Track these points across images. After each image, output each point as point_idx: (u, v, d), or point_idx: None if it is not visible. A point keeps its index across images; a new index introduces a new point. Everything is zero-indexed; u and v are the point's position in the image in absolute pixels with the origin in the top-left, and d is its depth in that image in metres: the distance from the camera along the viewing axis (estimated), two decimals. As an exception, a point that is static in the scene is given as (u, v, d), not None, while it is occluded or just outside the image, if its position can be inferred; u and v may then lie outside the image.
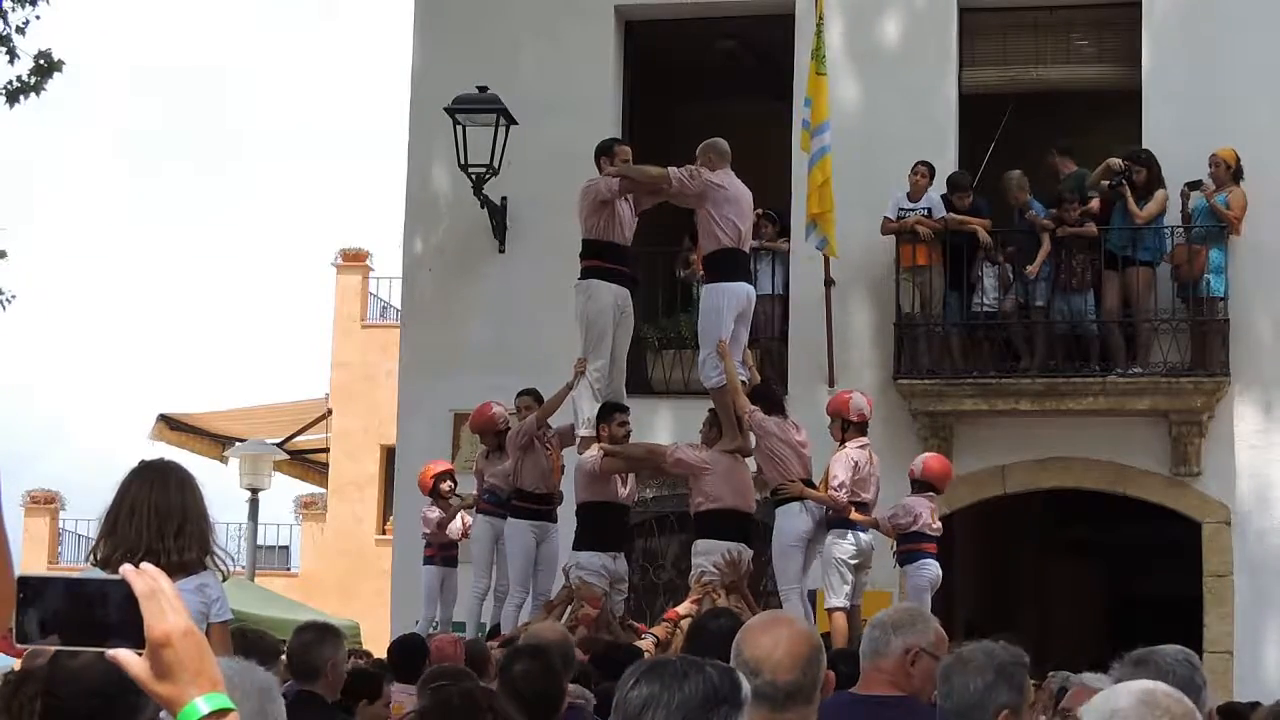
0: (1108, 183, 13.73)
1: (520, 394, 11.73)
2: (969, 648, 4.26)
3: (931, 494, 11.14)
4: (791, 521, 10.61)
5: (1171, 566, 14.71)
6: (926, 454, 11.63)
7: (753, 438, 10.67)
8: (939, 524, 11.06)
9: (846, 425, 10.82)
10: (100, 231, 62.59)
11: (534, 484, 11.29)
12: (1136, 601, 17.72)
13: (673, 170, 10.69)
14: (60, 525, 31.13)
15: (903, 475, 11.44)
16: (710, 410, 10.95)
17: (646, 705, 2.89)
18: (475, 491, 12.11)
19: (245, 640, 6.24)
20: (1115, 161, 13.72)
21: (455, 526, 12.53)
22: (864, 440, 10.84)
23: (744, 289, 10.80)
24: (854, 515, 10.59)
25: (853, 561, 10.69)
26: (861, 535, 10.70)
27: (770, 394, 11.04)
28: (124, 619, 2.05)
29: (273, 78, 67.25)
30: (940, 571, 10.94)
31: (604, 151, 11.07)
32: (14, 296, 13.50)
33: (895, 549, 11.09)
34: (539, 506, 11.33)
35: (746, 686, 2.96)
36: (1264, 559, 13.57)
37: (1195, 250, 13.45)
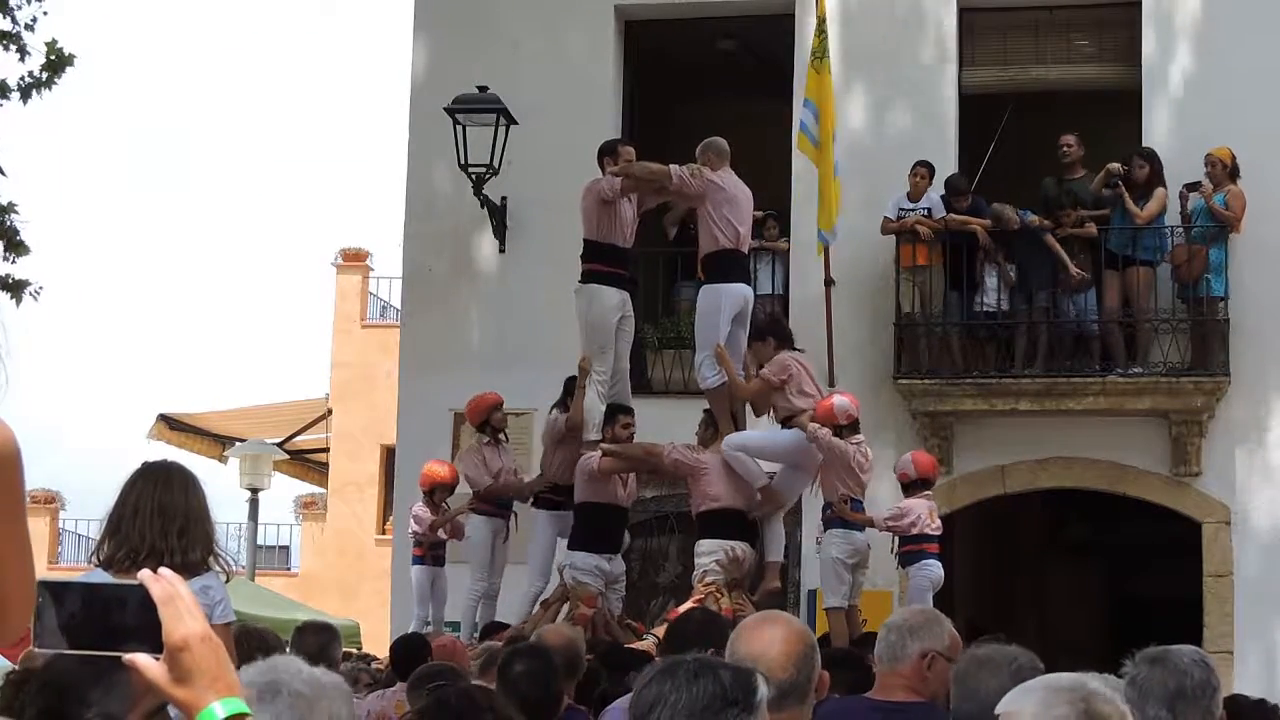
0: (1107, 189, 13.71)
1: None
2: (985, 650, 4.25)
3: (929, 493, 11.13)
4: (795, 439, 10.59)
5: (1171, 566, 14.72)
6: (911, 453, 11.56)
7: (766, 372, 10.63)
8: (939, 523, 11.04)
9: (839, 430, 10.76)
10: (99, 231, 62.59)
11: (565, 477, 11.29)
12: (1136, 602, 17.71)
13: (674, 168, 10.69)
14: (60, 525, 31.14)
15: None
16: (705, 411, 10.94)
17: (655, 704, 2.88)
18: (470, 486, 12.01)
19: (249, 639, 6.25)
20: (1115, 166, 13.71)
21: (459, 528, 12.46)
22: (859, 437, 10.78)
23: (741, 290, 10.78)
24: (850, 515, 10.58)
25: (850, 561, 10.67)
26: (858, 535, 10.68)
27: (780, 328, 11.03)
28: (142, 624, 2.06)
29: (272, 77, 67.26)
30: (942, 572, 10.93)
31: (607, 152, 11.06)
32: (41, 288, 13.48)
33: (896, 550, 11.07)
34: (564, 499, 11.34)
35: (763, 690, 2.94)
36: (1264, 559, 13.57)
37: (1195, 250, 13.45)
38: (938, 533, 10.95)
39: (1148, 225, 13.52)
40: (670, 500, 13.39)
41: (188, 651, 2.05)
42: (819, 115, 12.52)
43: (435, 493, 12.29)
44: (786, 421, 10.59)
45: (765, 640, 3.66)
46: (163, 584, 2.07)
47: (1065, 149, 13.95)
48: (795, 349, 10.80)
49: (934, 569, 10.80)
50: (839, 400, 10.82)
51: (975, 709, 4.12)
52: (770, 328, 10.98)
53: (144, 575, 2.07)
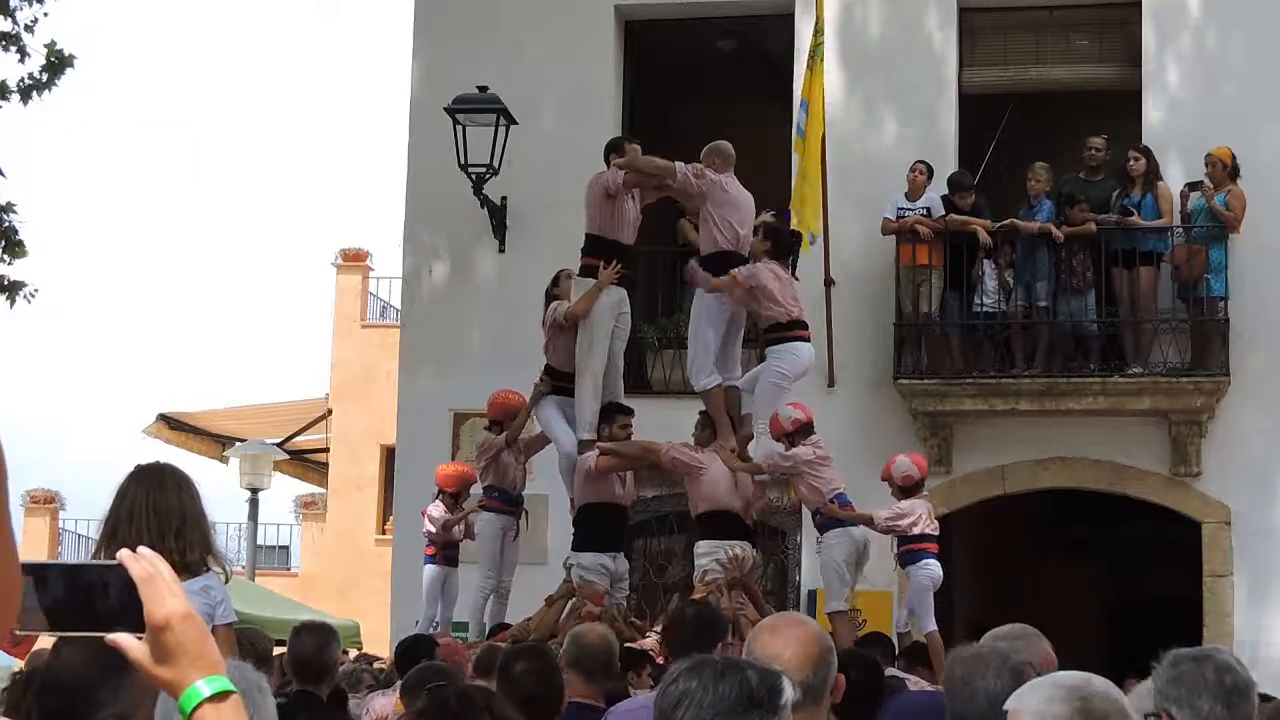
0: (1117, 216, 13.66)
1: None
2: (979, 648, 4.26)
3: (925, 493, 11.12)
4: (784, 362, 10.56)
5: (1171, 566, 14.71)
6: (908, 457, 11.37)
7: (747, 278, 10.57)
8: (936, 522, 11.05)
9: (790, 437, 10.67)
10: (99, 231, 62.61)
11: (565, 364, 11.20)
12: (1136, 602, 17.71)
13: (679, 165, 10.70)
14: (60, 525, 31.12)
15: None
16: (702, 412, 10.93)
17: (680, 701, 2.89)
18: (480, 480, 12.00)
19: (239, 642, 6.22)
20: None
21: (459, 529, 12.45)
22: (814, 437, 10.70)
23: None
24: (842, 514, 10.57)
25: (851, 561, 10.68)
26: (856, 532, 10.67)
27: (781, 237, 10.93)
28: (123, 604, 2.06)
29: (273, 78, 67.28)
30: (941, 571, 10.93)
31: (614, 149, 11.07)
32: (36, 291, 13.47)
33: (896, 550, 11.06)
34: (568, 385, 11.24)
35: (788, 692, 2.95)
36: (1264, 559, 13.56)
37: (1195, 250, 13.44)
38: (936, 532, 10.96)
39: (1164, 224, 13.49)
40: (670, 500, 13.39)
41: (170, 631, 2.05)
42: (809, 115, 12.48)
43: (461, 491, 12.28)
44: (769, 332, 10.57)
45: (782, 641, 3.67)
46: (143, 563, 2.07)
47: (1093, 151, 13.92)
48: (785, 265, 10.74)
49: (934, 568, 10.79)
50: (784, 410, 10.70)
51: (975, 710, 4.13)
52: (773, 232, 10.89)
53: (124, 555, 2.07)
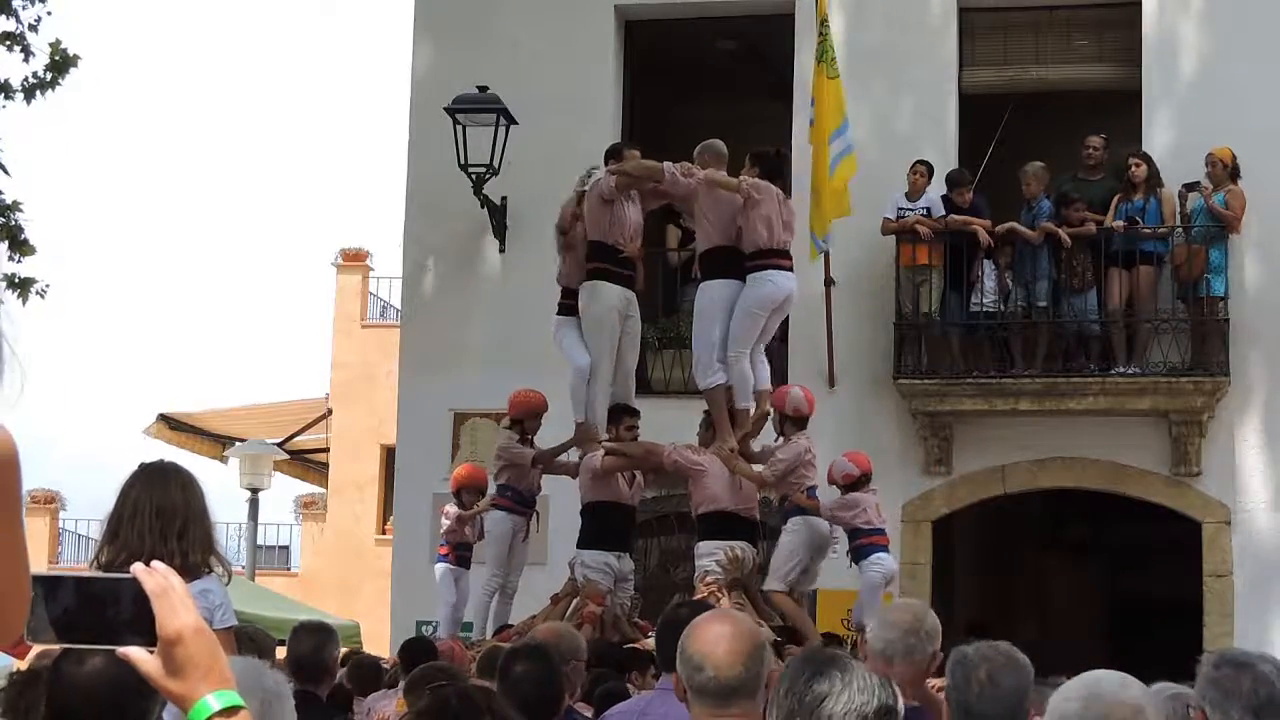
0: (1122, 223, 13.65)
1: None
2: (984, 648, 4.26)
3: (874, 488, 11.08)
4: (760, 289, 10.51)
5: (1171, 566, 14.71)
6: (846, 455, 11.13)
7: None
8: (885, 516, 11.03)
9: (784, 420, 10.71)
10: (99, 230, 62.61)
11: (574, 283, 11.30)
12: (1136, 601, 17.71)
13: (667, 165, 10.74)
14: (60, 525, 31.13)
15: (906, 475, 11.29)
16: (706, 412, 10.95)
17: (825, 699, 2.93)
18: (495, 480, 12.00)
19: (241, 640, 6.21)
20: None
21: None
22: (802, 434, 10.72)
23: (735, 285, 10.78)
24: (805, 502, 10.57)
25: (807, 547, 10.70)
26: (814, 521, 10.66)
27: (769, 160, 10.84)
28: (135, 617, 2.05)
29: (272, 76, 67.29)
30: (894, 565, 10.93)
31: (613, 155, 11.12)
32: (48, 287, 13.49)
33: (848, 546, 10.93)
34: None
35: (901, 701, 3.03)
36: (1264, 559, 13.56)
37: (1195, 250, 13.45)
38: (884, 525, 10.91)
39: (1169, 228, 13.49)
40: (670, 501, 13.39)
41: (181, 644, 2.05)
42: (816, 115, 12.47)
43: (462, 493, 12.26)
44: (750, 259, 10.49)
45: (714, 638, 3.69)
46: (155, 577, 2.07)
47: (1091, 150, 13.94)
48: (778, 180, 10.72)
49: (887, 562, 10.72)
50: (795, 392, 10.76)
51: (1001, 709, 4.13)
52: (760, 157, 10.80)
53: (137, 568, 2.07)
